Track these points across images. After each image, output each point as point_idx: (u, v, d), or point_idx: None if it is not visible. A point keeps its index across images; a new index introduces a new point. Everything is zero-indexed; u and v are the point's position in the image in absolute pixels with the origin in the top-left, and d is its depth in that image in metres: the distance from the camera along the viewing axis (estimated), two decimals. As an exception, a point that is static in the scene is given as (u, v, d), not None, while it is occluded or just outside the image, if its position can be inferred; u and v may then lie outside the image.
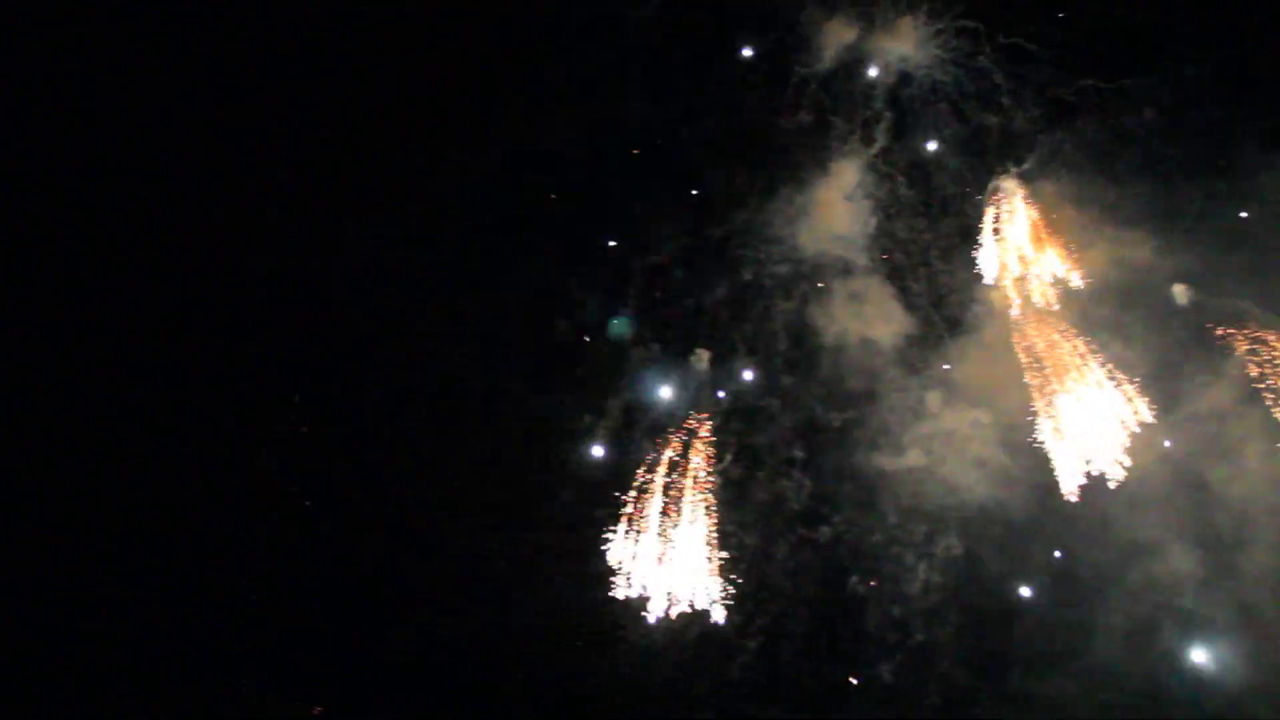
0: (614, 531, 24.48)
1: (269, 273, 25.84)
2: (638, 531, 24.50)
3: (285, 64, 25.79)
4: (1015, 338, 24.86)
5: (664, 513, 24.72)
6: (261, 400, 26.12)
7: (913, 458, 25.60)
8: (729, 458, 25.58)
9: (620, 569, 24.20)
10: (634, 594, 24.20)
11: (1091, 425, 23.64)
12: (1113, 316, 24.66)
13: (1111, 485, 23.53)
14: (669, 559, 24.34)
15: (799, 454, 25.95)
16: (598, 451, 26.05)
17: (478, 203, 26.64)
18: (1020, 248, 25.18)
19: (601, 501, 24.99)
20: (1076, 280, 24.51)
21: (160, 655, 24.75)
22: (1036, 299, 24.64)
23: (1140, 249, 24.77)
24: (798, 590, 25.64)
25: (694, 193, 26.52)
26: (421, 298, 26.45)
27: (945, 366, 25.97)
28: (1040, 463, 24.46)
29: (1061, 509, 24.25)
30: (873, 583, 25.62)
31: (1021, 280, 24.84)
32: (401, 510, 26.27)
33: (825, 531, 25.84)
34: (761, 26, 26.20)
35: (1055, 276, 24.55)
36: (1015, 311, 24.93)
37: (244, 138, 25.78)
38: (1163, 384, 24.33)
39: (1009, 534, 25.28)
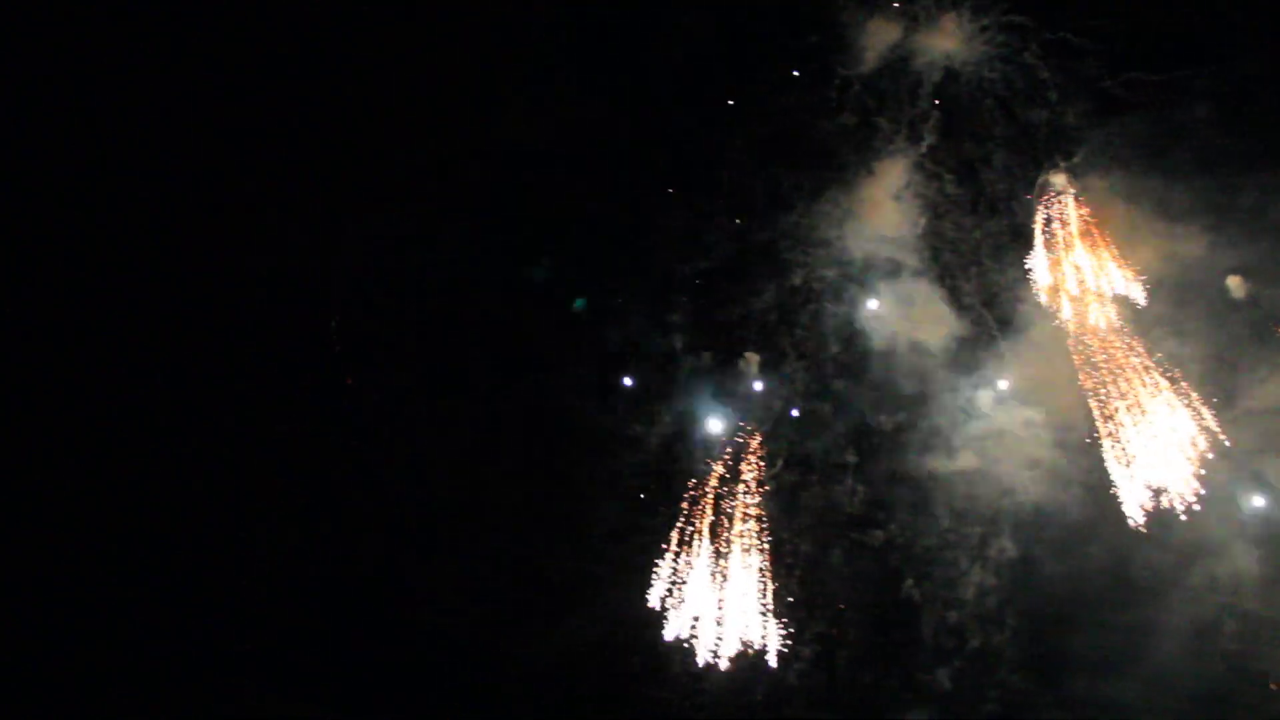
0: (666, 546, 24.35)
1: (299, 271, 25.88)
2: (689, 543, 24.32)
3: (285, 64, 25.72)
4: (1070, 343, 24.41)
5: (715, 526, 24.52)
6: (262, 400, 25.97)
7: (965, 459, 25.32)
8: (780, 464, 25.40)
9: (670, 595, 24.07)
10: (686, 618, 24.01)
11: (1157, 446, 23.08)
12: (1169, 313, 24.25)
13: (1183, 517, 22.99)
14: (721, 582, 24.13)
15: (851, 459, 25.70)
16: (647, 461, 25.89)
17: (520, 207, 26.56)
18: (1073, 250, 24.78)
19: (652, 512, 24.91)
20: (1140, 297, 24.05)
21: (160, 655, 24.73)
22: (1098, 320, 24.16)
23: (1195, 244, 24.39)
24: (852, 596, 25.40)
25: (735, 215, 26.28)
26: (464, 303, 26.35)
27: (997, 366, 25.63)
28: (1095, 462, 24.08)
29: (1118, 509, 23.80)
30: (928, 587, 25.33)
31: (1079, 300, 24.38)
32: (403, 511, 26.22)
33: (878, 536, 25.59)
34: (804, 27, 25.97)
35: (1115, 294, 24.12)
36: (1068, 314, 24.49)
37: (244, 138, 25.70)
38: (1221, 380, 23.93)
39: (1065, 535, 24.90)
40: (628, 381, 26.12)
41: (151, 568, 25.15)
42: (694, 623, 23.99)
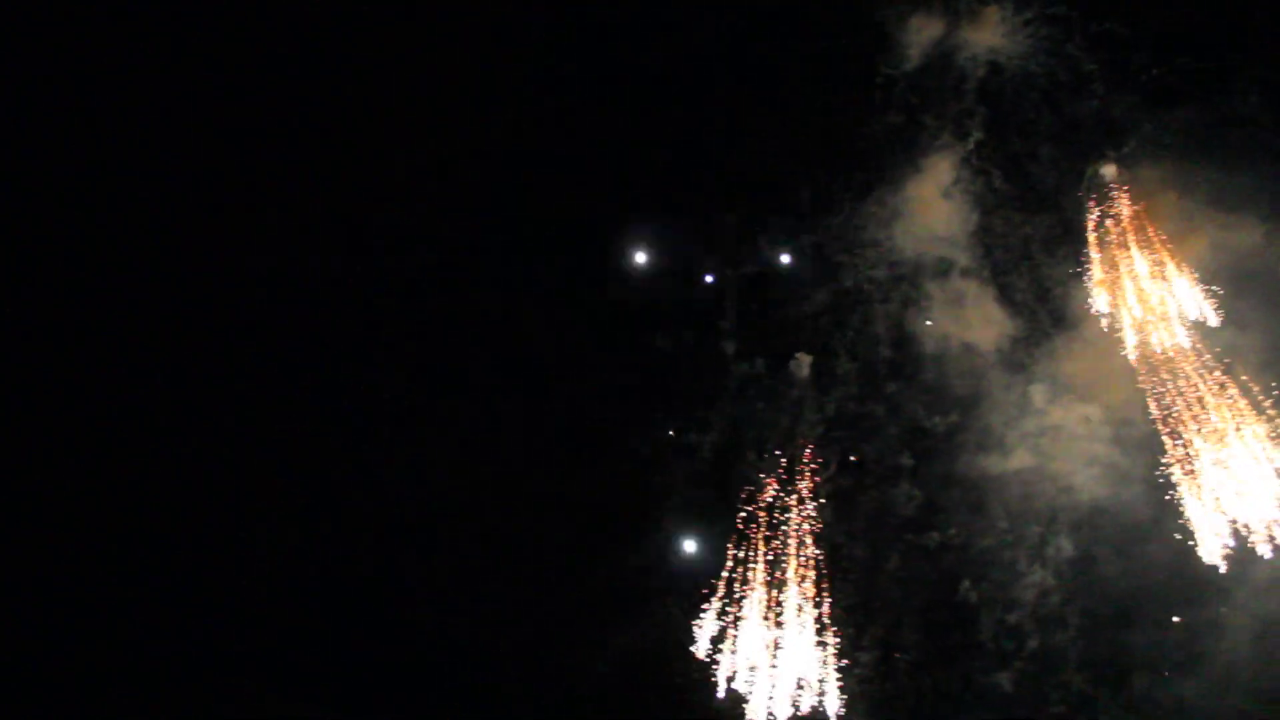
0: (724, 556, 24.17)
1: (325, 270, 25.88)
2: (746, 558, 24.12)
3: (285, 64, 25.67)
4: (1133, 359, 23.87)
5: (770, 538, 24.30)
6: (262, 400, 25.94)
7: (1021, 458, 24.98)
8: (834, 467, 25.16)
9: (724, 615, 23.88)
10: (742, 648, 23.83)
11: (1239, 479, 22.42)
12: (1226, 304, 23.77)
13: (1267, 554, 22.37)
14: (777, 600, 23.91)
15: (905, 461, 25.42)
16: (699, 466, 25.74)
17: (570, 214, 26.46)
18: (1127, 251, 24.35)
19: (710, 520, 24.76)
20: (1211, 317, 23.48)
21: (160, 655, 24.76)
22: (1162, 340, 23.64)
23: (1251, 233, 23.98)
24: (909, 599, 25.11)
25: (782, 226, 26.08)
26: (469, 303, 26.28)
27: (1051, 363, 25.27)
28: (1153, 458, 23.66)
29: (1178, 505, 23.38)
30: (986, 588, 24.98)
31: (1142, 322, 23.91)
32: (406, 511, 26.15)
33: (934, 538, 25.27)
34: (845, 26, 25.81)
35: (1182, 315, 23.61)
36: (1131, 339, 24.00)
37: (244, 138, 25.67)
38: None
39: (1125, 532, 24.47)
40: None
41: (152, 568, 25.23)
42: (751, 668, 23.73)
